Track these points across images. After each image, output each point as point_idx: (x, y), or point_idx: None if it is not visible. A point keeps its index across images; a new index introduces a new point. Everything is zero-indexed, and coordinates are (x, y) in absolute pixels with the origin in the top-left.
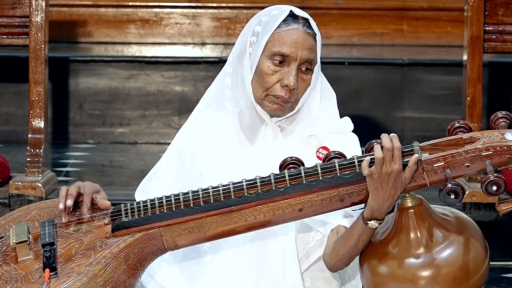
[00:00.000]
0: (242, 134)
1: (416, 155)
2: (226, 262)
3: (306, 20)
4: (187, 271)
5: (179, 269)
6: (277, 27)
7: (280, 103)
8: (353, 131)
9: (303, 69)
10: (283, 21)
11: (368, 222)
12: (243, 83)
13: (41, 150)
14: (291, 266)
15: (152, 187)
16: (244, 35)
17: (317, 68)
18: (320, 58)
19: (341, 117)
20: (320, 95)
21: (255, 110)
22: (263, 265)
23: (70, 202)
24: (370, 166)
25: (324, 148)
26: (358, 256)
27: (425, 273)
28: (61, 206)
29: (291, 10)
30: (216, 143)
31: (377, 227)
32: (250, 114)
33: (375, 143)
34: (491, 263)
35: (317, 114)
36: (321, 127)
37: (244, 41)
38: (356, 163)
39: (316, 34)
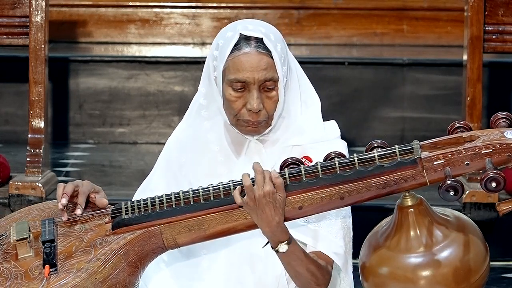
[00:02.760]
0: (226, 150)
1: (274, 171)
2: (220, 278)
3: (259, 39)
4: (181, 283)
5: (174, 280)
6: (230, 53)
7: (251, 126)
8: (351, 132)
9: (266, 88)
10: (236, 45)
11: (278, 248)
12: (218, 105)
13: (41, 150)
14: (283, 281)
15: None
16: (208, 58)
17: (282, 82)
18: (317, 58)
19: (330, 119)
20: (300, 100)
21: (234, 129)
22: (254, 282)
23: (64, 201)
24: (242, 196)
25: (307, 158)
26: (358, 257)
27: (425, 272)
28: (60, 206)
29: (240, 33)
30: (201, 163)
31: (289, 248)
32: (231, 132)
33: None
34: (491, 263)
35: (300, 123)
36: (305, 137)
37: (208, 65)
38: (356, 161)
39: (271, 51)
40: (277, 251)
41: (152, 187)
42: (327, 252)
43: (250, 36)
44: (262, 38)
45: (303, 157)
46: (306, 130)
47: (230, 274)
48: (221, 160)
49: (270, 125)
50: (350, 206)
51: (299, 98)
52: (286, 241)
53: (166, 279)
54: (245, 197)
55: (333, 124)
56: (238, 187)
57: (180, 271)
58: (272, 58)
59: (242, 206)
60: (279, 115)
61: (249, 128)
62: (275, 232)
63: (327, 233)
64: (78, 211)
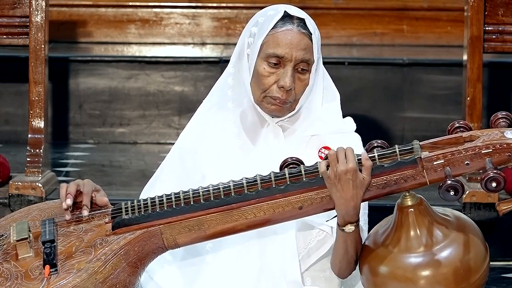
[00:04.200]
0: (244, 134)
1: (365, 152)
2: (226, 263)
3: (302, 20)
4: (187, 272)
5: (179, 270)
6: (272, 29)
7: (278, 104)
8: (354, 131)
9: (300, 69)
10: (278, 22)
11: (344, 228)
12: (244, 84)
13: (41, 150)
14: (291, 265)
15: (156, 191)
16: (243, 35)
17: (315, 67)
18: (321, 58)
19: (343, 117)
20: (323, 95)
21: (257, 110)
22: (262, 264)
23: (69, 202)
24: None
25: (326, 148)
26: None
27: (426, 272)
28: (65, 206)
29: (285, 11)
30: (218, 144)
31: (354, 230)
32: (252, 114)
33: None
34: (491, 263)
35: (320, 114)
36: (324, 127)
37: (243, 42)
38: (356, 161)
39: (312, 34)
40: (342, 230)
41: (163, 178)
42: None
43: (293, 16)
44: (304, 19)
45: (322, 147)
46: (326, 120)
47: (237, 256)
48: (238, 143)
49: (294, 109)
50: (367, 203)
51: (321, 91)
52: (355, 223)
53: (171, 268)
54: (329, 170)
55: (350, 119)
56: (325, 160)
57: (185, 259)
58: (311, 41)
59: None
60: (305, 100)
61: (274, 106)
62: (349, 212)
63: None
64: (85, 212)
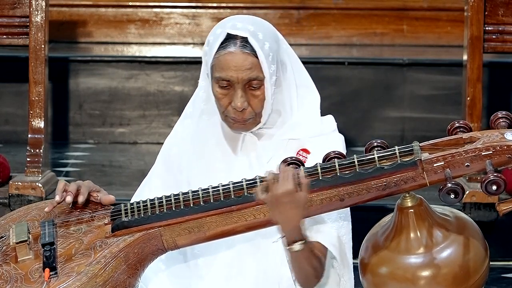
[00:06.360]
0: (225, 142)
1: (302, 170)
2: (221, 273)
3: (244, 38)
4: (181, 281)
5: (173, 279)
6: (217, 51)
7: (238, 122)
8: (351, 132)
9: (251, 87)
10: (222, 43)
11: (291, 247)
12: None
13: (41, 150)
14: (286, 270)
15: (145, 197)
16: (202, 52)
17: (269, 79)
18: (317, 58)
19: (324, 114)
20: (297, 96)
21: None
22: (258, 273)
23: (69, 199)
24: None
25: (305, 150)
26: (358, 257)
27: (425, 273)
28: (57, 198)
29: (227, 32)
30: (199, 154)
31: (303, 248)
32: (226, 126)
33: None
34: (491, 263)
35: (296, 119)
36: (302, 131)
37: (203, 60)
38: (356, 163)
39: (256, 51)
40: (290, 249)
41: (151, 185)
42: (324, 243)
43: (236, 35)
44: (247, 38)
45: (301, 149)
46: (303, 124)
47: (230, 268)
48: (218, 155)
49: (260, 122)
50: (349, 210)
51: (295, 94)
52: (303, 241)
53: (165, 279)
54: (266, 194)
55: (329, 118)
56: (264, 183)
57: (179, 269)
58: (257, 57)
59: (261, 203)
60: (269, 112)
61: (236, 125)
62: (293, 232)
63: (324, 225)
64: (81, 199)
